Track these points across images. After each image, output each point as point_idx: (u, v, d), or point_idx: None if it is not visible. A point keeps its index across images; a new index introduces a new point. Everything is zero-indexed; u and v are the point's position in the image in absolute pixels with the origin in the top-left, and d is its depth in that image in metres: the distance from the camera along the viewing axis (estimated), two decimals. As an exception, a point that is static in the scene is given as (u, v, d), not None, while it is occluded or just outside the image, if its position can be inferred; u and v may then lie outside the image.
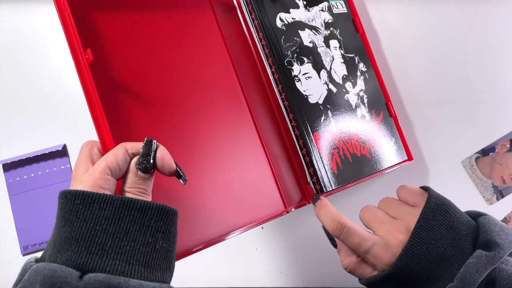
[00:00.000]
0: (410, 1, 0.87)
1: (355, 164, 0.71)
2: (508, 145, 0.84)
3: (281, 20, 0.72)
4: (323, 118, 0.71)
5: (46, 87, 0.84)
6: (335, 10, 0.79)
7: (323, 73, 0.73)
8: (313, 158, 0.68)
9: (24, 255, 0.80)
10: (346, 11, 0.80)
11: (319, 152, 0.68)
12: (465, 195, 0.84)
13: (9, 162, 0.82)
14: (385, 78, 0.82)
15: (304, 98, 0.70)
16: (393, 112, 0.79)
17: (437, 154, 0.85)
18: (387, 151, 0.76)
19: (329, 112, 0.72)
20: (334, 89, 0.74)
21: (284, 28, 0.72)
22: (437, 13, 0.87)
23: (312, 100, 0.70)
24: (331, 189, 0.68)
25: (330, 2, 0.79)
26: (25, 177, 0.82)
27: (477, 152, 0.84)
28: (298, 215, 0.81)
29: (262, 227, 0.81)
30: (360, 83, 0.77)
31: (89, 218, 0.40)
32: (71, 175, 0.80)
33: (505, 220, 0.83)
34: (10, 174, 0.82)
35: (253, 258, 0.81)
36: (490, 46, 0.87)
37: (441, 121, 0.85)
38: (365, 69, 0.79)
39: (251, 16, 0.72)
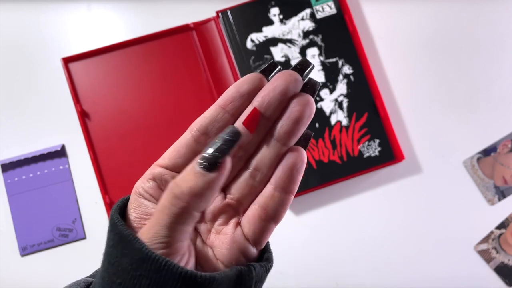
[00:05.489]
0: (409, 0, 0.86)
1: (320, 170, 0.79)
2: (509, 145, 0.83)
3: (252, 41, 0.80)
4: None
5: (45, 87, 0.86)
6: (319, 15, 0.81)
7: (294, 85, 0.77)
8: None
9: (22, 255, 0.82)
10: (335, 11, 0.82)
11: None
12: (467, 196, 0.84)
13: (7, 162, 0.83)
14: (377, 78, 0.82)
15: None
16: (382, 112, 0.79)
17: (439, 154, 0.85)
18: (367, 154, 0.80)
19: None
20: (305, 100, 0.77)
21: (254, 48, 0.80)
22: (437, 12, 0.87)
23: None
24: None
25: (314, 7, 0.81)
26: (23, 177, 0.84)
27: (478, 153, 0.83)
28: (298, 215, 0.84)
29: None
30: (341, 88, 0.80)
31: (107, 266, 0.32)
32: (69, 175, 0.84)
33: (506, 221, 0.81)
34: (9, 175, 0.84)
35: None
36: (492, 46, 0.86)
37: (442, 121, 0.85)
38: (351, 71, 0.80)
39: (221, 39, 0.82)
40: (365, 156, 0.79)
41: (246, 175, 0.35)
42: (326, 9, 0.81)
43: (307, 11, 0.81)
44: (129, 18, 0.87)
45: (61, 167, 0.85)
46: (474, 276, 0.82)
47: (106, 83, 0.82)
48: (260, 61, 0.80)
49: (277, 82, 0.33)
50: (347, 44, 0.81)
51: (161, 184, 0.35)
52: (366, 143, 0.80)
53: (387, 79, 0.85)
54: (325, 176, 0.79)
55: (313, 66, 0.35)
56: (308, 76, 0.34)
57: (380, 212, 0.83)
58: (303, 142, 0.35)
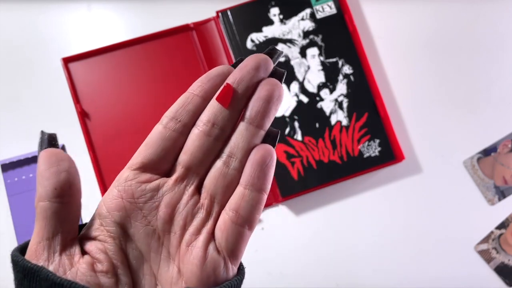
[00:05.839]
0: (409, 0, 0.86)
1: (320, 170, 0.79)
2: (510, 145, 0.83)
3: (252, 41, 0.80)
4: (288, 129, 0.79)
5: (45, 87, 0.86)
6: (319, 15, 0.82)
7: (294, 85, 0.80)
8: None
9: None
10: (335, 11, 0.82)
11: (279, 161, 0.78)
12: (467, 196, 0.84)
13: (7, 162, 0.83)
14: (377, 78, 0.82)
15: (269, 113, 0.78)
16: (382, 112, 0.80)
17: (439, 154, 0.85)
18: (367, 154, 0.80)
19: (296, 123, 0.79)
20: (306, 100, 0.80)
21: (254, 48, 0.80)
22: (437, 12, 0.87)
23: (277, 114, 0.77)
24: (288, 194, 0.79)
25: (314, 7, 0.81)
26: (23, 177, 0.84)
27: (478, 153, 0.83)
28: (298, 216, 0.83)
29: (263, 228, 0.83)
30: (341, 88, 0.80)
31: None
32: (69, 175, 0.84)
33: (506, 221, 0.81)
34: (9, 175, 0.84)
35: (254, 260, 0.83)
36: (492, 46, 0.86)
37: (442, 121, 0.85)
38: (351, 71, 0.81)
39: (221, 39, 0.82)
40: (365, 156, 0.80)
41: (219, 163, 0.34)
42: (326, 9, 0.81)
43: (307, 11, 0.81)
44: (129, 18, 0.88)
45: (61, 167, 0.84)
46: (474, 276, 0.82)
47: (106, 83, 0.82)
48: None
49: (248, 61, 0.33)
50: (347, 44, 0.81)
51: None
52: (366, 143, 0.80)
53: (387, 79, 0.85)
54: (325, 176, 0.79)
55: (281, 52, 0.36)
56: (275, 65, 0.35)
57: (380, 212, 0.83)
58: (271, 141, 0.34)
